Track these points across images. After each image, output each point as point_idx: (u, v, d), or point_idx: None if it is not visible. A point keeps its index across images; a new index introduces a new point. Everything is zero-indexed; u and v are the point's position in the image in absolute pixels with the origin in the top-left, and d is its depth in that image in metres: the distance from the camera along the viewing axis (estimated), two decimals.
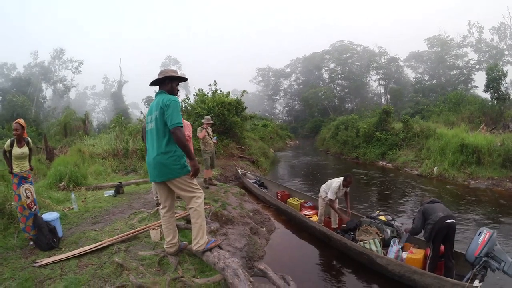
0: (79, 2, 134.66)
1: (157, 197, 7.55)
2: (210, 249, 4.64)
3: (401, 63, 63.96)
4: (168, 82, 4.49)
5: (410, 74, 64.60)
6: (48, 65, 61.32)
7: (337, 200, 7.96)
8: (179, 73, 4.75)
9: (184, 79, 4.69)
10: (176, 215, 5.54)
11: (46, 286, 4.35)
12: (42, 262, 4.97)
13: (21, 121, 5.94)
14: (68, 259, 5.07)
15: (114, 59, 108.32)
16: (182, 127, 4.19)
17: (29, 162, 6.06)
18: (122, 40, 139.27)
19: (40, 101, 53.95)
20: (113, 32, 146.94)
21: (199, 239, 4.57)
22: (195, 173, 4.34)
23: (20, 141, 5.82)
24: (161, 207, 4.79)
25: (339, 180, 7.77)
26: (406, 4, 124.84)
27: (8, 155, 5.79)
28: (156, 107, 4.28)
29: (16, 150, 5.71)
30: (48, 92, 61.45)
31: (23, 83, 50.47)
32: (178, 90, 4.77)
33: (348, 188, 7.89)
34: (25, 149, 5.86)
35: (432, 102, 40.77)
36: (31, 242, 5.73)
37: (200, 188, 4.58)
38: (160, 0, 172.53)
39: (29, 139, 6.04)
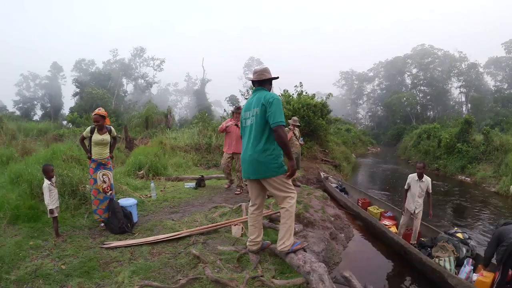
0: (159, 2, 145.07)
1: None
2: (294, 251, 4.67)
3: (481, 70, 63.88)
4: (268, 82, 4.73)
5: (490, 81, 64.89)
6: (128, 62, 67.09)
7: (419, 211, 7.84)
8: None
9: (276, 78, 4.81)
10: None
11: (112, 268, 4.41)
12: (111, 245, 5.09)
13: (101, 111, 6.19)
14: (140, 245, 5.17)
15: (197, 58, 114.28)
16: (284, 125, 4.31)
17: (111, 150, 6.35)
18: (204, 39, 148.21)
19: (121, 94, 59.30)
20: (195, 31, 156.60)
21: (285, 240, 4.60)
22: (292, 173, 4.41)
23: (101, 129, 6.09)
24: (250, 204, 4.90)
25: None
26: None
27: (87, 141, 6.10)
28: (256, 104, 4.43)
29: (97, 137, 5.98)
30: (129, 87, 67.56)
31: (103, 78, 55.93)
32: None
33: (428, 184, 7.71)
34: (106, 136, 6.12)
35: (511, 113, 38.69)
36: (102, 224, 5.97)
37: (294, 189, 4.67)
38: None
39: (112, 127, 6.31)
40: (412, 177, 7.78)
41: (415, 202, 7.74)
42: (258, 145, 4.35)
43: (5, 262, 4.41)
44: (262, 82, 4.65)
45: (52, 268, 4.31)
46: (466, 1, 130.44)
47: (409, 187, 7.87)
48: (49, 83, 61.56)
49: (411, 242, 7.84)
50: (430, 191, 7.70)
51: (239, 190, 9.13)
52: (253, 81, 4.75)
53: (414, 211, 7.81)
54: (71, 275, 4.15)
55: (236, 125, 8.94)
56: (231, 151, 9.05)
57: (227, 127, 8.93)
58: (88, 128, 6.03)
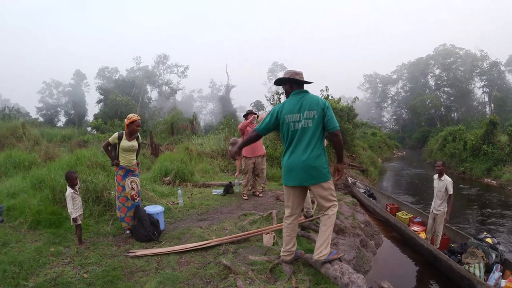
0: (182, 10, 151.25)
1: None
2: (330, 261, 4.55)
3: (502, 68, 64.14)
4: (303, 85, 4.71)
5: (511, 80, 65.03)
6: (152, 69, 69.39)
7: (438, 214, 7.91)
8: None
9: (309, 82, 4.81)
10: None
11: (137, 278, 4.33)
12: (137, 253, 5.02)
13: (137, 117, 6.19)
14: (167, 254, 5.08)
15: (220, 64, 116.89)
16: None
17: (137, 156, 6.33)
18: (227, 45, 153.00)
19: (145, 101, 61.39)
20: (218, 38, 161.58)
21: (323, 249, 4.48)
22: (341, 176, 4.56)
23: (131, 135, 6.06)
24: (288, 214, 4.77)
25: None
26: None
27: (115, 147, 6.00)
28: (313, 106, 4.40)
29: (126, 143, 5.93)
30: (153, 94, 69.94)
31: (127, 85, 57.69)
32: None
33: (447, 184, 7.70)
34: (135, 143, 6.10)
35: None
36: (128, 231, 5.92)
37: (336, 197, 4.68)
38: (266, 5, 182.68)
39: (138, 134, 6.30)
40: (435, 176, 7.97)
41: (434, 203, 7.93)
42: (314, 149, 4.34)
43: (23, 268, 4.38)
44: (302, 84, 4.64)
45: (74, 276, 4.25)
46: None
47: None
48: (72, 91, 63.90)
49: (434, 244, 7.98)
50: (450, 193, 7.63)
51: (246, 196, 9.20)
52: (291, 84, 4.66)
53: (432, 211, 8.02)
54: (94, 284, 4.08)
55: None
56: (255, 154, 8.97)
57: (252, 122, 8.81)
58: (116, 134, 5.95)
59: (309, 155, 4.31)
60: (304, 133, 4.38)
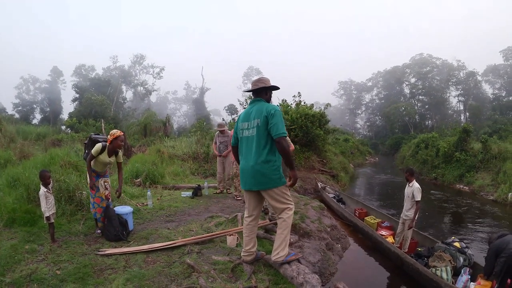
0: (158, 12, 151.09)
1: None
2: (288, 262, 4.70)
3: (479, 78, 64.54)
4: (268, 92, 4.75)
5: (488, 89, 66.14)
6: (128, 69, 68.51)
7: (406, 220, 7.96)
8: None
9: (277, 88, 4.85)
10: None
11: (106, 275, 4.44)
12: (106, 252, 5.13)
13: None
14: (135, 253, 5.20)
15: (196, 66, 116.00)
16: (286, 136, 4.34)
17: (120, 184, 6.36)
18: (203, 48, 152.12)
19: (120, 101, 60.23)
20: (194, 40, 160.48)
21: (280, 250, 4.61)
22: (294, 183, 4.48)
23: (113, 152, 6.00)
24: (246, 215, 4.90)
25: None
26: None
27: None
28: (257, 115, 4.45)
29: (105, 158, 5.91)
30: (128, 94, 68.69)
31: (103, 84, 56.24)
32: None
33: (413, 191, 7.69)
34: (113, 159, 6.08)
35: (509, 121, 40.26)
36: (98, 231, 5.98)
37: (292, 200, 4.71)
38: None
39: (120, 152, 6.19)
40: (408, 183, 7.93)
41: (404, 208, 7.96)
42: (261, 156, 4.35)
43: (0, 264, 4.48)
44: (259, 92, 4.67)
45: (47, 272, 4.36)
46: (465, 8, 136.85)
47: None
48: (49, 87, 61.93)
49: (402, 249, 8.02)
50: (417, 199, 7.60)
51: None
52: (252, 92, 4.74)
53: (402, 216, 8.04)
54: (66, 281, 4.19)
55: None
56: None
57: None
58: (100, 147, 5.72)
59: (256, 161, 4.37)
60: (251, 140, 4.47)
